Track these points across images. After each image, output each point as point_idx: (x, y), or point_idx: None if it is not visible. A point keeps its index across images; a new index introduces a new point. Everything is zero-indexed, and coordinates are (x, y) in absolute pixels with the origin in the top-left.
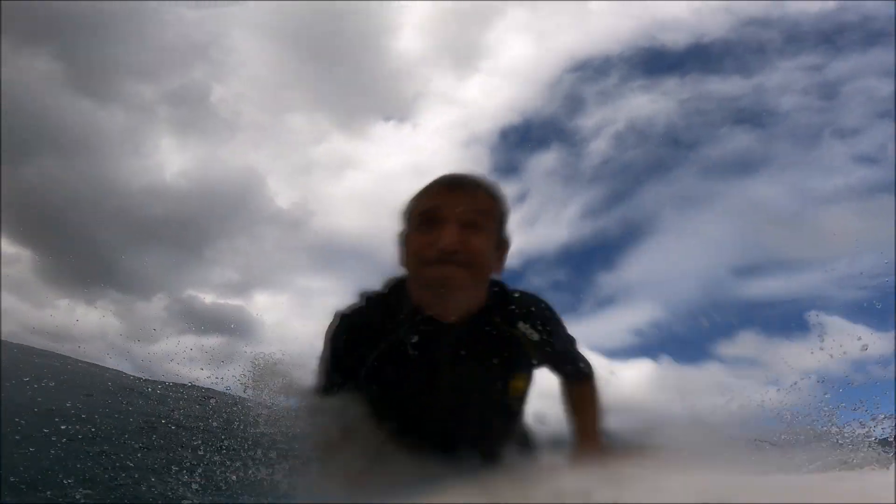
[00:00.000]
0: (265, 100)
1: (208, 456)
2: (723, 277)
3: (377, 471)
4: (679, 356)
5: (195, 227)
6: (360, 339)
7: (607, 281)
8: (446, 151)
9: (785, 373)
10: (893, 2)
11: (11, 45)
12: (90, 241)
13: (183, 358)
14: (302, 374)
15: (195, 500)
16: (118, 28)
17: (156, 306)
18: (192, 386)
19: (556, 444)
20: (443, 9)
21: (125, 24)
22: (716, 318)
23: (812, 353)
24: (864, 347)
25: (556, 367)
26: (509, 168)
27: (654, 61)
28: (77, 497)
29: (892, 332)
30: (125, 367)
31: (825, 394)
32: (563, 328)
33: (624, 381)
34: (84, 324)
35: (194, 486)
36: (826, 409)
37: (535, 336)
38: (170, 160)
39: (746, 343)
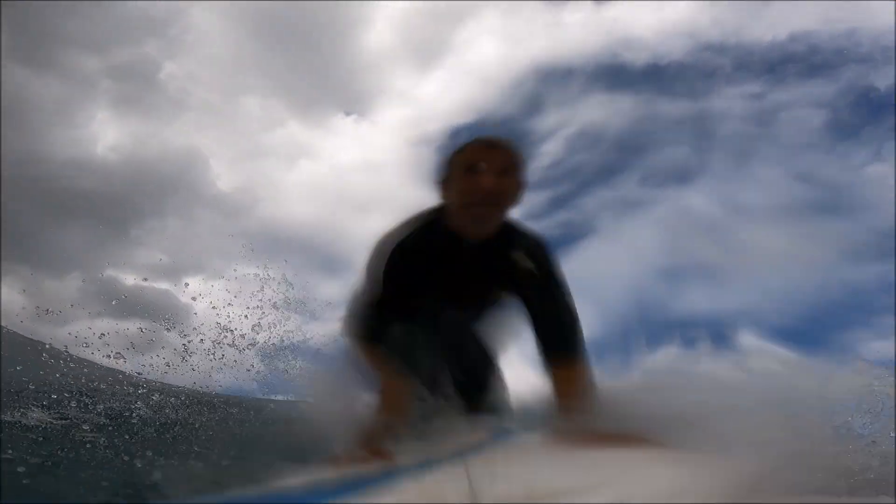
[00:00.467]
0: (219, 81)
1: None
2: (650, 283)
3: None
4: (604, 364)
5: (123, 203)
6: (411, 253)
7: None
8: (398, 149)
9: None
10: (893, 2)
11: None
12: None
13: (98, 343)
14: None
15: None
16: None
17: (68, 286)
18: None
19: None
20: (420, 4)
21: None
22: (641, 329)
23: (732, 370)
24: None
25: (535, 311)
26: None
27: (613, 76)
28: None
29: (819, 350)
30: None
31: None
32: (553, 266)
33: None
34: None
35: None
36: None
37: (524, 264)
38: (103, 133)
39: (668, 358)
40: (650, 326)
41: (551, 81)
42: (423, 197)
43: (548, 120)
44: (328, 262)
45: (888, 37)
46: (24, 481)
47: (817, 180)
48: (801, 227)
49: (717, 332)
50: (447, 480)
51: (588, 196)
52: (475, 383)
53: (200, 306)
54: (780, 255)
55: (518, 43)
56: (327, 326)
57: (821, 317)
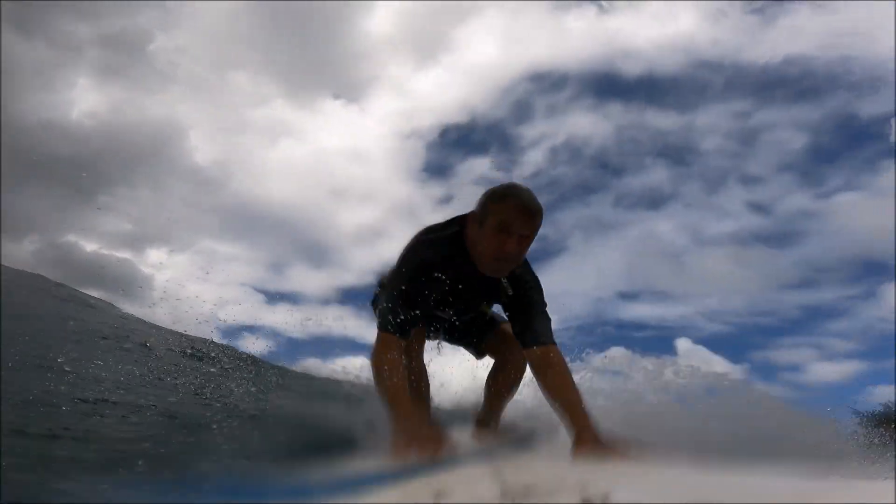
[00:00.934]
0: (210, 54)
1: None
2: (609, 299)
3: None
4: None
5: (93, 169)
6: (433, 262)
7: None
8: (386, 140)
9: (647, 388)
10: (893, 2)
11: None
12: None
13: None
14: None
15: None
16: None
17: (25, 249)
18: None
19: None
20: None
21: None
22: (596, 333)
23: (673, 373)
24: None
25: (517, 318)
26: (441, 167)
27: (607, 85)
28: None
29: (745, 364)
30: None
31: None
32: (535, 291)
33: None
34: None
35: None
36: None
37: (509, 291)
38: (82, 99)
39: (616, 357)
40: (604, 332)
41: (545, 86)
42: (406, 192)
43: (536, 128)
44: (303, 246)
45: (882, 67)
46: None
47: (772, 210)
48: (746, 255)
49: (660, 338)
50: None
51: (565, 211)
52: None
53: (162, 278)
54: (722, 279)
55: (518, 45)
56: (291, 312)
57: (744, 332)
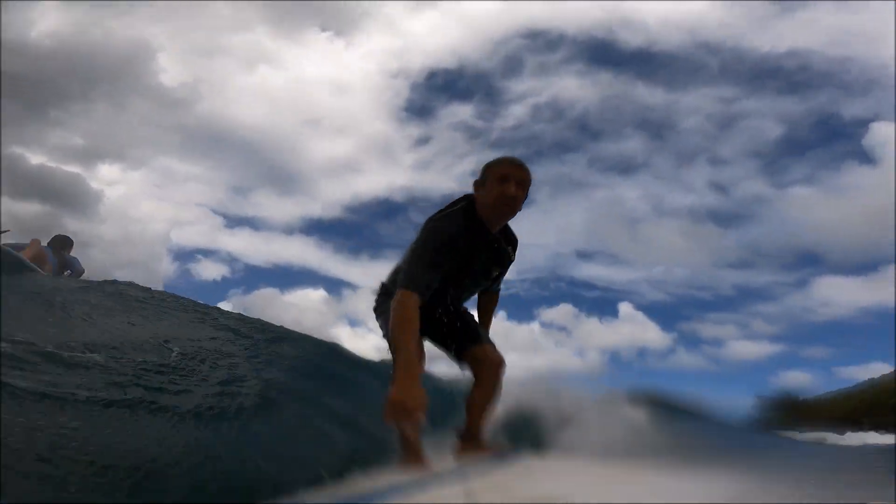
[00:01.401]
0: None
1: None
2: (567, 255)
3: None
4: (512, 315)
5: (48, 86)
6: (455, 237)
7: None
8: (371, 77)
9: (587, 345)
10: (893, 2)
11: None
12: None
13: None
14: None
15: None
16: None
17: None
18: None
19: None
20: None
21: None
22: (550, 288)
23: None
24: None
25: (498, 279)
26: (422, 109)
27: (601, 52)
28: None
29: (674, 334)
30: None
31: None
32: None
33: None
34: None
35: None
36: None
37: (511, 257)
38: (43, 19)
39: (564, 313)
40: (557, 288)
41: (539, 45)
42: (384, 129)
43: (524, 83)
44: (270, 171)
45: (877, 71)
46: None
47: (730, 192)
48: (696, 231)
49: (606, 300)
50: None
51: (539, 166)
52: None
53: (113, 194)
54: (672, 250)
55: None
56: (251, 238)
57: (681, 303)
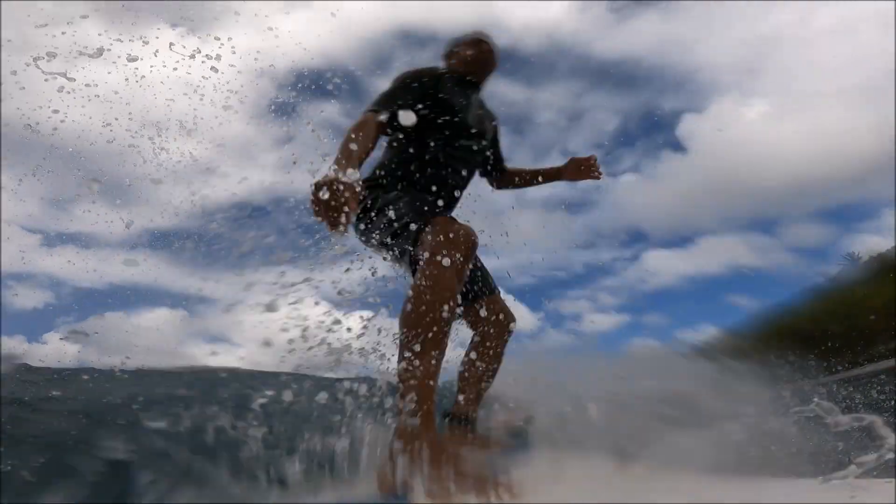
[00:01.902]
0: None
1: None
2: None
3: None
4: (396, 309)
5: None
6: (421, 73)
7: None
8: (228, 75)
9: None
10: (893, 2)
11: None
12: None
13: None
14: None
15: None
16: None
17: None
18: None
19: None
20: None
21: None
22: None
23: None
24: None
25: (495, 143)
26: (286, 107)
27: None
28: None
29: (541, 314)
30: None
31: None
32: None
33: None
34: None
35: None
36: None
37: (494, 118)
38: None
39: None
40: None
41: (407, 44)
42: (242, 129)
43: (388, 82)
44: (99, 179)
45: (688, 75)
46: None
47: (578, 182)
48: (550, 218)
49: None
50: None
51: None
52: (481, 283)
53: None
54: (531, 237)
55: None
56: (78, 257)
57: (543, 284)
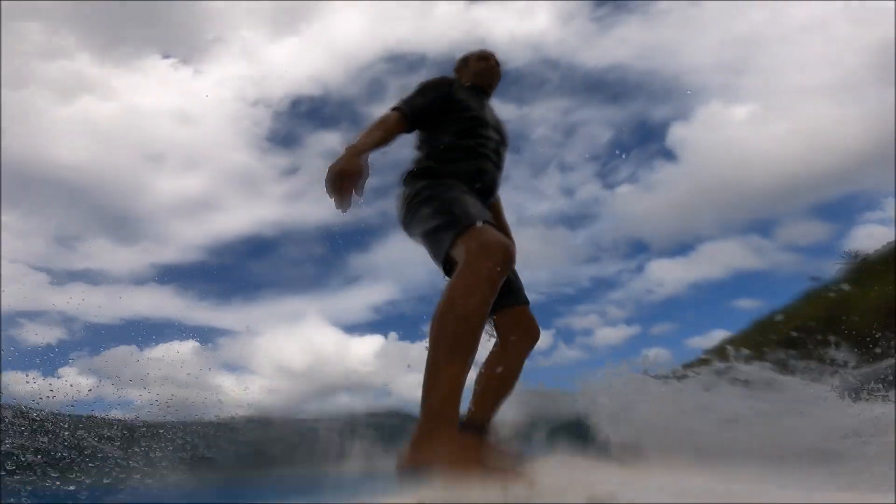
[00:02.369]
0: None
1: None
2: (433, 269)
3: None
4: (406, 335)
5: None
6: (443, 80)
7: (358, 261)
8: (226, 105)
9: (480, 354)
10: (893, 2)
11: None
12: None
13: None
14: None
15: None
16: None
17: None
18: None
19: None
20: None
21: None
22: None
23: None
24: None
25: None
26: (287, 138)
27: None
28: None
29: (552, 330)
30: None
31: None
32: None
33: (357, 353)
34: None
35: None
36: None
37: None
38: None
39: None
40: (433, 296)
41: (401, 67)
42: (244, 160)
43: (386, 108)
44: (104, 216)
45: (674, 81)
46: None
47: (575, 195)
48: (551, 235)
49: None
50: None
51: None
52: (512, 292)
53: None
54: (534, 254)
55: (383, 24)
56: (86, 294)
57: (551, 301)
